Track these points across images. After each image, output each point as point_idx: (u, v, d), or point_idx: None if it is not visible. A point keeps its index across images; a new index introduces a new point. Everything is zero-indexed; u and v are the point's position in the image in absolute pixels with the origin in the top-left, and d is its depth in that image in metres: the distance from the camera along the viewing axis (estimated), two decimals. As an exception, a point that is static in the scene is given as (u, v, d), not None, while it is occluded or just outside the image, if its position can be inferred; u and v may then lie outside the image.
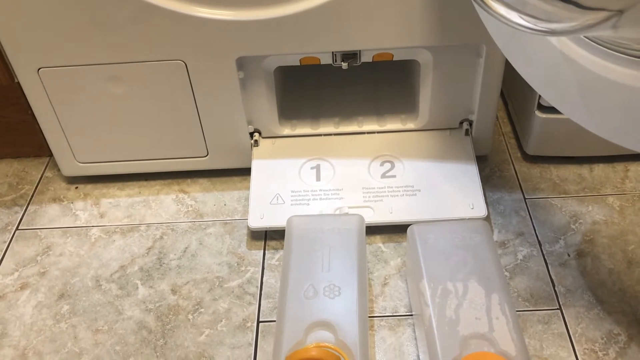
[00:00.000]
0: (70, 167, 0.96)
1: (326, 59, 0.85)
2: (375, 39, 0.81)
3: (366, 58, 0.85)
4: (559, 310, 0.77)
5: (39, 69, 0.83)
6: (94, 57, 0.82)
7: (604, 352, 0.73)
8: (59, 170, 0.99)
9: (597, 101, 0.58)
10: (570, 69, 0.59)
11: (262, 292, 0.81)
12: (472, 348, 0.62)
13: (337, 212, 0.86)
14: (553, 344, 0.74)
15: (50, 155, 1.03)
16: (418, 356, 0.73)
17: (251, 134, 0.93)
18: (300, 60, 0.85)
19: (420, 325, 0.68)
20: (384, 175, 0.90)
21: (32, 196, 0.98)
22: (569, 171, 0.95)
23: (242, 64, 0.84)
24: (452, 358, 0.61)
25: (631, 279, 0.80)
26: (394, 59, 0.85)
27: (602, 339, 0.74)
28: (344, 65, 0.84)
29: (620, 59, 0.54)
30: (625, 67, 0.54)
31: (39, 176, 1.01)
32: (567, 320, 0.76)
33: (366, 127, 0.95)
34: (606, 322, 0.76)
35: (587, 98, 0.59)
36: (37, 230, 0.92)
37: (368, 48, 0.83)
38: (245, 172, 0.95)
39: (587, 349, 0.73)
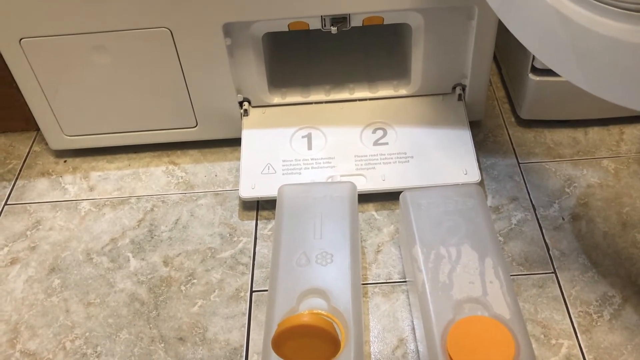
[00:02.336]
0: (57, 140, 0.95)
1: (315, 24, 0.83)
2: (364, 1, 0.79)
3: (356, 22, 0.83)
4: (553, 274, 0.77)
5: (20, 39, 0.81)
6: (78, 26, 0.80)
7: (599, 314, 0.72)
8: (46, 144, 0.97)
9: (591, 58, 0.56)
10: (563, 26, 0.58)
11: (255, 262, 0.81)
12: (466, 312, 0.61)
13: (329, 180, 0.85)
14: (548, 307, 0.73)
15: (38, 129, 1.02)
16: (412, 322, 0.73)
17: (240, 103, 0.92)
18: (288, 25, 0.83)
19: (414, 291, 0.68)
20: (376, 143, 0.89)
21: (20, 171, 0.96)
22: (563, 135, 0.94)
23: (229, 30, 0.82)
24: (446, 322, 0.60)
25: (626, 241, 0.79)
26: (384, 23, 0.84)
27: (597, 301, 0.74)
28: (334, 29, 0.83)
29: (612, 12, 0.53)
30: (617, 21, 0.52)
31: (27, 150, 1.00)
32: (561, 284, 0.76)
33: (358, 94, 0.94)
34: (601, 284, 0.75)
35: (581, 55, 0.57)
36: (26, 204, 0.91)
37: (357, 11, 0.81)
38: (236, 142, 0.94)
39: (582, 312, 0.73)
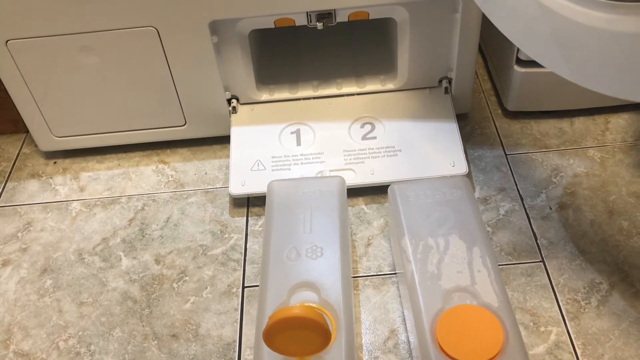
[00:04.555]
0: (47, 142, 0.95)
1: (301, 20, 0.83)
2: (349, -4, 0.79)
3: (342, 17, 0.84)
4: (541, 263, 0.78)
5: (7, 41, 0.81)
6: (64, 26, 0.80)
7: (587, 301, 0.73)
8: (36, 146, 0.97)
9: (573, 48, 0.57)
10: (545, 17, 0.58)
11: (246, 258, 0.81)
12: (455, 301, 0.62)
13: (319, 175, 0.86)
14: (536, 296, 0.74)
15: (27, 131, 1.02)
16: (403, 313, 0.73)
17: (229, 101, 0.92)
18: (274, 22, 0.83)
19: (403, 282, 0.69)
20: (364, 137, 0.90)
21: (10, 173, 0.96)
22: (549, 125, 0.95)
23: (215, 28, 0.83)
24: (435, 312, 0.61)
25: (612, 228, 0.80)
26: (370, 18, 0.84)
27: (585, 288, 0.75)
28: (319, 25, 0.83)
29: (593, 2, 0.53)
30: (597, 10, 0.53)
31: (16, 153, 1.00)
32: (549, 272, 0.77)
33: (345, 89, 0.94)
34: (588, 271, 0.76)
35: (564, 46, 0.58)
36: (17, 206, 0.91)
37: (343, 7, 0.81)
38: (225, 140, 0.94)
39: (570, 299, 0.74)
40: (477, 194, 0.86)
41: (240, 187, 0.86)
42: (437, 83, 0.93)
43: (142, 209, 0.89)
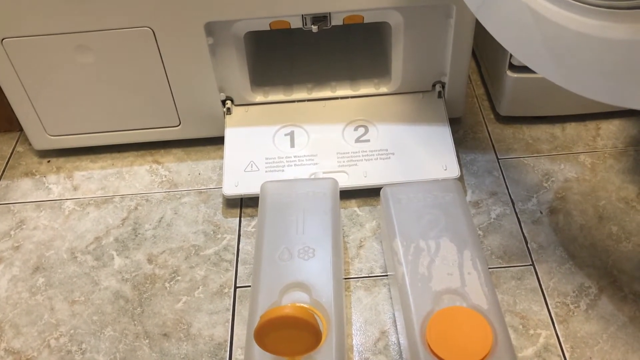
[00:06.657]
0: (41, 140, 0.95)
1: (296, 23, 0.84)
2: (344, 0, 0.80)
3: (336, 21, 0.84)
4: (531, 266, 0.78)
5: (2, 39, 0.82)
6: (60, 25, 0.81)
7: (575, 305, 0.74)
8: (30, 144, 0.97)
9: (564, 54, 0.58)
10: (538, 25, 0.59)
11: (239, 259, 0.82)
12: (445, 303, 0.62)
13: (312, 177, 0.86)
14: (526, 299, 0.75)
15: (21, 129, 1.02)
16: (393, 314, 0.74)
17: (223, 102, 0.93)
18: (270, 24, 0.84)
19: (394, 284, 0.69)
20: (358, 140, 0.90)
21: (3, 171, 0.96)
22: (541, 131, 0.96)
23: (211, 29, 0.83)
24: (425, 313, 0.62)
25: (602, 233, 0.81)
26: (364, 22, 0.85)
27: (574, 292, 0.75)
28: (314, 28, 0.84)
29: (584, 9, 0.54)
30: (588, 18, 0.54)
31: (10, 151, 1.00)
32: (539, 276, 0.77)
33: (340, 92, 0.95)
34: (577, 275, 0.77)
35: (556, 53, 0.59)
36: (10, 204, 0.91)
37: (338, 10, 0.82)
38: (219, 141, 0.94)
39: (559, 302, 0.74)
40: (468, 198, 0.87)
41: (233, 187, 0.86)
42: (431, 87, 0.94)
43: (136, 208, 0.89)
